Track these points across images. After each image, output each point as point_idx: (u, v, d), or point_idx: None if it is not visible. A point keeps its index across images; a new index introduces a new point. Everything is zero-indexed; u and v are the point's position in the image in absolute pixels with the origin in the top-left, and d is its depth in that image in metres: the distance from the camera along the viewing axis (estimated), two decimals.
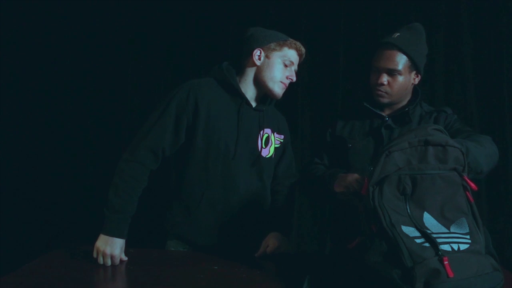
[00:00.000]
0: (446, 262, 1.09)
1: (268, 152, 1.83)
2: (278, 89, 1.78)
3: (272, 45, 1.76)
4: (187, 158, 1.73)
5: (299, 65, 1.83)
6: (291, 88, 3.04)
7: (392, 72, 1.76)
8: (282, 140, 1.91)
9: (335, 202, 1.90)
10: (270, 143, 1.84)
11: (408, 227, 1.18)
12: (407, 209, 1.21)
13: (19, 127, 3.04)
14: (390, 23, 2.94)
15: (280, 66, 1.76)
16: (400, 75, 1.76)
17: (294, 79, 1.80)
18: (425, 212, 1.21)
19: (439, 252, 1.11)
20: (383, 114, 1.84)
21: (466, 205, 1.23)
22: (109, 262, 1.55)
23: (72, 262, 1.59)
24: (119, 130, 2.97)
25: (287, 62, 1.77)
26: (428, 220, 1.20)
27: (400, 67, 1.75)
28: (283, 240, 1.75)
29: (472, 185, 1.27)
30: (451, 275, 1.07)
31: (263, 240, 1.74)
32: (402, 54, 1.74)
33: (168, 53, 3.04)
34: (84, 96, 3.04)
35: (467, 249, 1.15)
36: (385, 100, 1.81)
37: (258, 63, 1.77)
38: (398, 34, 1.76)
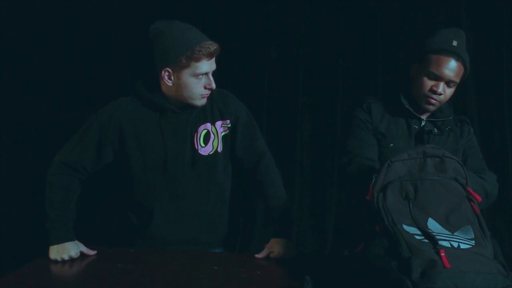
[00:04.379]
0: (442, 254, 1.10)
1: (211, 148, 1.76)
2: (199, 102, 1.70)
3: (180, 62, 1.61)
4: (130, 178, 1.75)
5: (216, 61, 1.69)
6: (291, 88, 3.09)
7: (451, 84, 1.72)
8: (229, 125, 1.79)
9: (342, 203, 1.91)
10: (212, 137, 1.76)
11: (410, 227, 1.22)
12: (411, 213, 1.26)
13: (19, 127, 3.04)
14: (390, 23, 2.94)
15: (194, 82, 1.65)
16: (454, 86, 1.74)
17: (213, 86, 1.67)
18: (430, 218, 1.25)
19: (437, 246, 1.13)
20: (422, 117, 1.80)
21: (472, 215, 1.27)
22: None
23: (72, 262, 1.60)
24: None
25: (200, 76, 1.65)
26: (432, 224, 1.23)
27: (458, 79, 1.73)
28: (288, 246, 1.70)
29: (477, 196, 1.31)
30: (447, 265, 1.08)
31: (266, 244, 1.72)
32: (462, 66, 1.72)
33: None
34: (85, 96, 3.03)
35: (468, 249, 1.15)
36: (433, 108, 1.77)
37: (169, 83, 1.67)
38: (456, 42, 1.71)
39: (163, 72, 1.66)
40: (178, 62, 1.62)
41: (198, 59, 1.61)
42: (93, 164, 1.74)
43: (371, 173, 1.58)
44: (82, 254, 1.65)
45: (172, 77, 1.66)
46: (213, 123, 1.77)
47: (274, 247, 1.69)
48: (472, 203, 1.30)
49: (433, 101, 1.74)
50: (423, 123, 1.79)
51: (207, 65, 1.64)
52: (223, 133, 1.78)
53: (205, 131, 1.75)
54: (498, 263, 1.15)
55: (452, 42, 1.71)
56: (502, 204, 2.81)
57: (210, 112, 1.77)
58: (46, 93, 3.05)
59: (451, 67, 1.70)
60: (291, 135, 3.02)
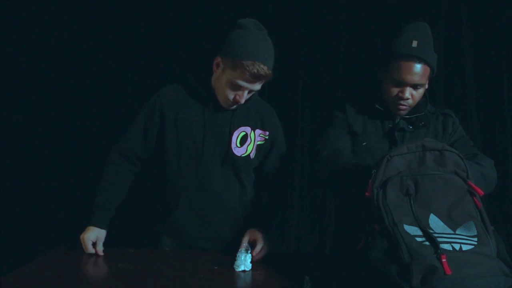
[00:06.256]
0: (444, 260, 1.09)
1: (244, 150, 1.80)
2: (224, 104, 1.74)
3: (230, 61, 1.64)
4: (162, 161, 1.79)
5: (264, 85, 1.71)
6: (291, 88, 3.08)
7: (417, 86, 1.70)
8: (266, 137, 1.84)
9: (340, 201, 1.91)
10: (249, 141, 1.80)
11: (411, 226, 1.20)
12: (411, 210, 1.24)
13: (19, 127, 3.04)
14: (390, 22, 2.94)
15: (228, 86, 1.68)
16: (422, 87, 1.72)
17: (241, 101, 1.69)
18: (432, 214, 1.22)
19: (439, 251, 1.11)
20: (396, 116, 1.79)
21: (475, 210, 1.25)
22: (85, 248, 1.67)
23: (72, 262, 1.60)
24: (121, 130, 2.97)
25: (235, 84, 1.66)
26: (434, 221, 1.21)
27: (425, 80, 1.70)
28: (261, 235, 1.72)
29: (479, 190, 1.29)
30: (448, 272, 1.07)
31: (244, 237, 1.70)
32: (426, 66, 1.68)
33: (170, 53, 3.04)
34: (86, 96, 3.03)
35: (470, 250, 1.14)
36: (405, 113, 1.76)
37: (215, 70, 1.73)
38: (416, 41, 1.66)
39: (216, 58, 1.71)
40: (230, 60, 1.65)
41: (241, 72, 1.63)
42: (142, 149, 1.80)
43: (342, 156, 1.64)
44: (82, 254, 1.65)
45: (219, 68, 1.70)
46: (253, 129, 1.82)
47: (253, 237, 1.70)
48: (474, 197, 1.27)
49: (402, 106, 1.73)
50: (397, 121, 1.78)
51: (245, 84, 1.66)
52: (258, 142, 1.83)
53: (244, 133, 1.80)
54: (501, 261, 1.14)
55: (411, 43, 1.66)
56: (502, 203, 2.81)
57: (253, 118, 1.82)
58: (46, 93, 3.05)
59: (414, 71, 1.66)
60: (291, 135, 3.02)
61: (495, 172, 1.69)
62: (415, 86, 1.70)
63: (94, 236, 1.68)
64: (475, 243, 1.16)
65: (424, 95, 1.81)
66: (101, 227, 1.71)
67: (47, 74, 3.04)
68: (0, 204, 2.99)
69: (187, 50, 2.99)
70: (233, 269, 1.51)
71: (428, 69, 1.69)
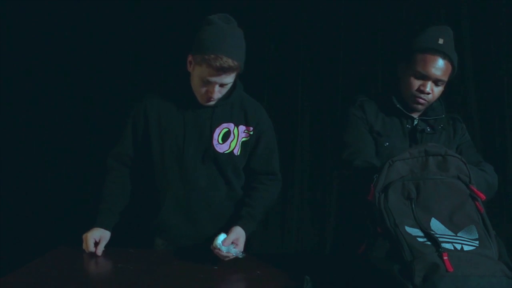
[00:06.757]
0: (445, 258, 1.09)
1: (227, 147, 1.79)
2: (201, 100, 1.74)
3: (197, 57, 1.66)
4: (148, 161, 1.81)
5: (237, 75, 1.72)
6: (291, 88, 3.08)
7: (439, 82, 1.72)
8: (251, 132, 1.82)
9: (342, 202, 1.90)
10: (232, 137, 1.80)
11: (413, 228, 1.21)
12: (413, 213, 1.25)
13: (20, 127, 3.04)
14: (390, 23, 2.94)
15: (199, 82, 1.69)
16: (442, 85, 1.74)
17: (213, 96, 1.70)
18: (433, 218, 1.23)
19: (440, 249, 1.12)
20: (414, 116, 1.79)
21: (476, 215, 1.26)
22: (86, 246, 1.67)
23: (72, 262, 1.60)
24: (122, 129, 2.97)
25: (204, 80, 1.67)
26: (435, 224, 1.22)
27: (446, 77, 1.72)
28: (238, 232, 1.68)
29: (481, 195, 1.30)
30: (450, 269, 1.07)
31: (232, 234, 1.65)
32: (449, 64, 1.71)
33: (169, 54, 3.04)
34: (86, 96, 3.03)
35: (472, 250, 1.14)
36: (422, 108, 1.77)
37: (189, 69, 1.74)
38: (442, 40, 1.70)
39: (188, 56, 1.72)
40: (198, 56, 1.66)
41: (207, 65, 1.64)
42: (133, 149, 1.84)
43: (375, 171, 1.56)
44: (82, 254, 1.65)
45: (191, 66, 1.72)
46: (236, 125, 1.81)
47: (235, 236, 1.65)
48: (476, 202, 1.28)
49: (421, 100, 1.73)
50: (415, 122, 1.79)
51: (213, 78, 1.66)
52: (243, 139, 1.81)
53: (226, 129, 1.79)
54: (503, 264, 1.14)
55: (438, 40, 1.70)
56: (502, 204, 2.81)
57: (236, 115, 1.81)
58: (47, 93, 3.05)
59: (438, 65, 1.69)
60: (291, 135, 3.03)
61: (496, 178, 1.73)
62: (436, 82, 1.72)
63: (98, 235, 1.69)
64: (477, 245, 1.16)
65: (439, 99, 1.82)
66: (106, 229, 1.73)
67: (46, 74, 3.05)
68: (0, 204, 2.99)
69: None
70: (233, 269, 1.51)
71: (450, 67, 1.72)
